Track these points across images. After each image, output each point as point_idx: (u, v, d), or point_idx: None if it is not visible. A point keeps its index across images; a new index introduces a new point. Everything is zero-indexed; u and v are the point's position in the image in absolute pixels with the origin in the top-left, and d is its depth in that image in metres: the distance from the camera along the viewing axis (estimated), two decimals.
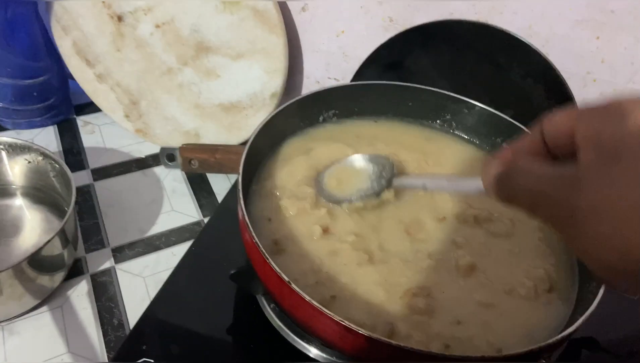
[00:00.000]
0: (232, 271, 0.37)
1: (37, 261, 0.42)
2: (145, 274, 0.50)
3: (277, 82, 0.56)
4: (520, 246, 0.39)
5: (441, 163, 0.46)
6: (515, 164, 0.23)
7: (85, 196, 0.57)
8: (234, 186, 0.58)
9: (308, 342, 0.38)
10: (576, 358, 0.40)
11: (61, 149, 0.63)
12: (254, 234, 0.33)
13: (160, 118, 0.62)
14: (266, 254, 0.31)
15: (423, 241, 0.38)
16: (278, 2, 0.53)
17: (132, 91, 0.61)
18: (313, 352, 0.37)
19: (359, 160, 0.41)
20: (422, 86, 0.47)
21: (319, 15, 0.56)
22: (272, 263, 0.31)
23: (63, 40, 0.61)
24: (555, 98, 0.47)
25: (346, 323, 0.28)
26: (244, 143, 0.61)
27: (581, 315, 0.31)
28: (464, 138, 0.49)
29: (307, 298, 0.29)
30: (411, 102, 0.49)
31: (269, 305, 0.40)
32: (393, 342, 0.28)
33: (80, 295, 0.48)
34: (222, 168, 0.57)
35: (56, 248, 0.44)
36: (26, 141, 0.51)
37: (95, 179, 0.59)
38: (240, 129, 0.60)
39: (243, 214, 0.34)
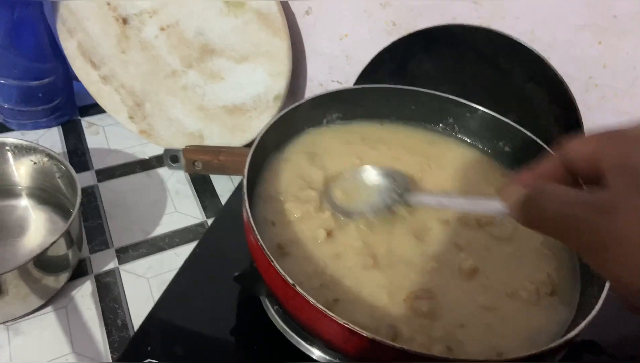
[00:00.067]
0: (237, 273, 0.37)
1: (43, 261, 0.42)
2: (149, 275, 0.50)
3: (280, 84, 0.56)
4: (522, 250, 0.39)
5: (444, 166, 0.46)
6: (541, 188, 0.22)
7: (90, 197, 0.57)
8: (238, 188, 0.59)
9: (311, 344, 0.38)
10: (578, 361, 0.40)
11: (65, 150, 0.64)
12: (258, 236, 0.33)
13: (164, 120, 0.62)
14: (271, 257, 0.32)
15: (427, 244, 0.38)
16: (282, 5, 0.54)
17: (136, 92, 0.62)
18: (316, 353, 0.38)
19: (371, 173, 0.41)
20: (425, 90, 0.48)
21: (323, 18, 0.57)
22: (277, 265, 0.31)
23: (68, 42, 0.61)
24: (557, 102, 0.47)
25: (350, 325, 0.29)
26: (248, 145, 0.62)
27: (583, 319, 0.31)
28: (466, 142, 0.49)
29: (312, 300, 0.29)
30: (414, 106, 0.49)
31: (273, 307, 0.40)
32: (396, 344, 0.28)
33: (85, 295, 0.48)
34: (225, 170, 0.57)
35: (61, 249, 0.44)
36: (31, 142, 0.51)
37: (99, 180, 0.60)
38: (244, 131, 0.60)
39: (248, 217, 0.35)
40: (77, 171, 0.49)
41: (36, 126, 0.65)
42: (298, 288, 0.30)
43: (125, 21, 0.57)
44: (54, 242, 0.42)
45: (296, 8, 0.57)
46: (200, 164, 0.57)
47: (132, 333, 0.45)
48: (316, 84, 0.63)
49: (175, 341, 0.40)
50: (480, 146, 0.48)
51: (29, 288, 0.43)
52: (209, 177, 0.62)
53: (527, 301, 0.36)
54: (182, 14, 0.55)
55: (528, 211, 0.23)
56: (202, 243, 0.48)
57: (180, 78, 0.59)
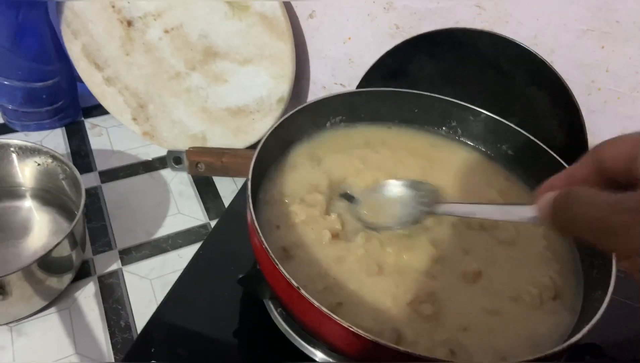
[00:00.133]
0: (240, 276, 0.37)
1: (46, 263, 0.42)
2: (152, 276, 0.50)
3: (284, 87, 0.56)
4: (525, 253, 0.39)
5: (446, 169, 0.46)
6: (574, 192, 0.22)
7: (93, 198, 0.58)
8: (241, 190, 0.59)
9: (314, 347, 0.38)
10: None
11: (69, 151, 0.64)
12: (263, 239, 0.33)
13: (167, 121, 0.63)
14: (275, 259, 0.32)
15: (433, 248, 0.38)
16: (286, 8, 0.54)
17: (140, 94, 0.62)
18: (319, 356, 0.38)
19: (398, 186, 0.40)
20: (428, 93, 0.48)
21: (326, 22, 0.57)
22: (282, 268, 0.31)
23: (73, 44, 0.61)
24: (559, 106, 0.47)
25: (354, 328, 0.29)
26: (251, 147, 0.62)
27: (586, 323, 0.31)
28: (469, 145, 0.49)
29: (316, 304, 0.29)
30: (417, 109, 0.49)
31: (276, 309, 0.40)
32: (400, 347, 0.28)
33: (88, 296, 0.48)
34: (228, 172, 0.58)
35: (65, 250, 0.44)
36: (36, 143, 0.52)
37: (102, 182, 0.60)
38: (247, 133, 0.61)
39: (252, 219, 0.35)
40: (81, 172, 0.49)
41: (40, 128, 0.66)
42: (302, 291, 0.30)
43: (129, 23, 0.57)
44: (58, 244, 0.42)
45: (300, 11, 0.58)
46: (203, 166, 0.57)
47: (135, 335, 0.45)
48: (319, 87, 0.63)
49: (179, 343, 0.40)
50: (483, 149, 0.49)
51: (33, 290, 0.43)
52: (212, 179, 0.62)
53: (530, 305, 0.36)
54: (186, 16, 0.55)
55: (560, 216, 0.22)
56: (205, 245, 0.48)
57: (184, 80, 0.59)
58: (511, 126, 0.45)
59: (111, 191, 0.59)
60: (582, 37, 0.46)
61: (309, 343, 0.38)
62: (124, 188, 0.59)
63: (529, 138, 0.44)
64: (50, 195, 0.53)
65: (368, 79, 0.54)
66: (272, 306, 0.40)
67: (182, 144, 0.62)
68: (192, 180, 0.61)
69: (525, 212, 0.26)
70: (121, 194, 0.59)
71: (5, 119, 0.65)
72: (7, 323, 0.45)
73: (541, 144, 0.43)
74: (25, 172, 0.53)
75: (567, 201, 0.22)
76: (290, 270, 0.32)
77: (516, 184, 0.46)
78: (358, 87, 0.55)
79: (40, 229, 0.52)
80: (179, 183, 0.61)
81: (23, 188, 0.54)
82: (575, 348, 0.31)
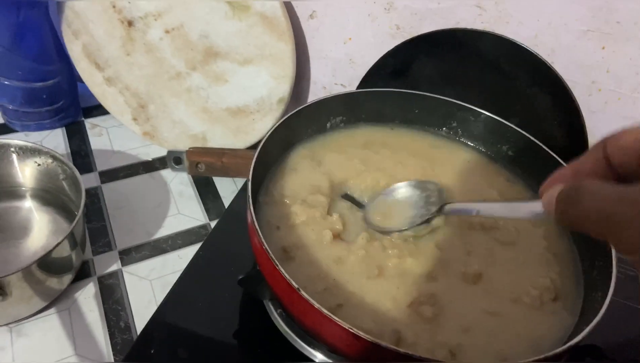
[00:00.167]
0: (240, 277, 0.37)
1: (46, 263, 0.42)
2: (152, 277, 0.50)
3: (284, 87, 0.56)
4: (526, 255, 0.39)
5: (447, 170, 0.46)
6: (581, 185, 0.21)
7: (93, 198, 0.58)
8: (241, 190, 0.59)
9: (314, 348, 0.38)
10: None
11: (69, 151, 0.64)
12: (263, 240, 0.33)
13: (168, 121, 0.63)
14: (276, 260, 0.32)
15: (434, 249, 0.38)
16: (286, 9, 0.54)
17: (140, 94, 0.62)
18: (319, 357, 0.38)
19: (404, 188, 0.40)
20: (429, 94, 0.48)
21: (327, 22, 0.57)
22: (282, 269, 0.31)
23: (73, 44, 0.61)
24: (560, 107, 0.47)
25: (354, 330, 0.29)
26: (251, 147, 0.62)
27: (587, 324, 0.31)
28: (470, 145, 0.49)
29: (317, 305, 0.29)
30: (417, 110, 0.49)
31: (276, 310, 0.40)
32: (400, 349, 0.28)
33: (88, 297, 0.48)
34: (228, 172, 0.58)
35: (65, 251, 0.44)
36: (36, 143, 0.52)
37: (102, 182, 0.60)
38: (247, 134, 0.61)
39: (252, 219, 0.35)
40: (81, 173, 0.49)
41: (40, 128, 0.66)
42: (302, 292, 0.30)
43: (130, 24, 0.57)
44: (58, 244, 0.42)
45: (301, 11, 0.57)
46: (203, 166, 0.57)
47: (134, 336, 0.45)
48: (320, 88, 0.63)
49: (179, 343, 0.40)
50: (483, 149, 0.49)
51: (33, 290, 0.43)
52: (212, 179, 0.62)
53: (530, 307, 0.36)
54: (186, 17, 0.55)
55: (567, 210, 0.22)
56: (205, 245, 0.48)
57: (185, 80, 0.59)
58: (511, 127, 0.45)
59: (111, 192, 0.59)
60: (582, 37, 0.46)
61: (308, 345, 0.38)
62: (124, 188, 0.59)
63: (530, 138, 0.44)
64: (50, 195, 0.53)
65: (369, 79, 0.54)
66: (272, 307, 0.40)
67: (183, 145, 0.62)
68: (192, 180, 0.61)
69: (531, 208, 0.26)
70: (121, 194, 0.59)
71: (5, 119, 0.65)
72: (6, 324, 0.45)
73: (541, 144, 0.43)
74: (26, 172, 0.53)
75: (576, 194, 0.21)
76: (291, 270, 0.32)
77: (516, 185, 0.45)
78: (358, 87, 0.55)
79: (40, 229, 0.52)
80: (179, 183, 0.61)
81: (23, 188, 0.54)
82: (575, 350, 0.31)
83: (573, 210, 0.21)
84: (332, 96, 0.47)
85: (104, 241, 0.53)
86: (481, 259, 0.38)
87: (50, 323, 0.46)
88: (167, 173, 0.62)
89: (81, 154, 0.63)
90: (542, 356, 0.29)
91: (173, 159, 0.58)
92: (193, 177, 0.61)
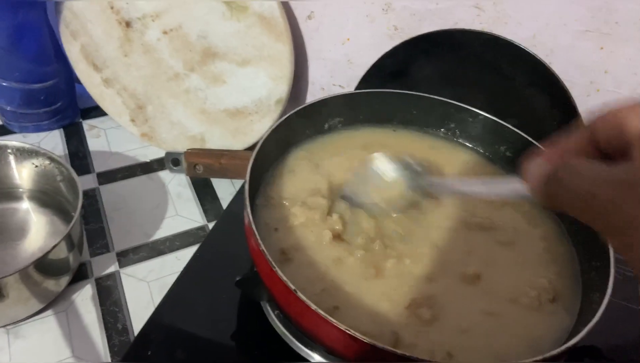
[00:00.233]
0: (238, 278, 0.37)
1: (44, 265, 0.42)
2: (150, 278, 0.50)
3: (282, 88, 0.56)
4: (524, 255, 0.39)
5: (445, 171, 0.46)
6: (566, 164, 0.20)
7: (91, 199, 0.57)
8: (239, 191, 0.59)
9: (312, 349, 0.38)
10: None
11: (67, 152, 0.64)
12: (260, 241, 0.33)
13: (166, 123, 0.62)
14: (272, 262, 0.32)
15: (432, 250, 0.38)
16: (284, 9, 0.54)
17: (138, 95, 0.62)
18: (316, 359, 0.37)
19: (385, 163, 0.39)
20: (427, 95, 0.48)
21: (325, 23, 0.57)
22: (279, 271, 0.31)
23: (71, 45, 0.61)
24: (558, 107, 0.47)
25: (351, 331, 0.29)
26: (249, 149, 0.62)
27: (585, 325, 0.31)
28: (468, 146, 0.49)
29: (313, 306, 0.29)
30: (415, 111, 0.49)
31: (273, 312, 0.40)
32: (397, 350, 0.28)
33: (85, 299, 0.48)
34: (226, 173, 0.57)
35: (62, 252, 0.44)
36: (33, 145, 0.51)
37: (100, 183, 0.60)
38: (246, 135, 0.61)
39: (249, 221, 0.35)
40: (79, 174, 0.49)
41: (38, 129, 0.65)
42: (299, 294, 0.30)
43: (128, 24, 0.57)
44: (55, 246, 0.42)
45: (299, 12, 0.57)
46: (201, 168, 0.57)
47: (132, 337, 0.45)
48: (318, 88, 0.63)
49: (176, 345, 0.40)
50: (481, 150, 0.49)
51: (30, 292, 0.43)
52: (210, 180, 0.62)
53: (528, 307, 0.36)
54: (184, 17, 0.55)
55: (551, 190, 0.21)
56: (203, 247, 0.48)
57: (183, 81, 0.59)
58: (509, 128, 0.45)
59: (109, 193, 0.59)
60: (581, 38, 0.46)
61: (306, 346, 0.38)
62: (122, 189, 0.59)
63: (528, 139, 0.44)
64: (47, 197, 0.53)
65: (367, 80, 0.54)
66: (269, 308, 0.40)
67: (181, 146, 0.62)
68: (190, 182, 0.61)
69: (513, 186, 0.25)
70: (119, 196, 0.58)
71: (3, 120, 0.65)
72: (4, 326, 0.45)
73: (540, 145, 0.43)
74: (23, 174, 0.53)
75: (562, 173, 0.20)
76: (288, 272, 0.32)
77: None
78: (357, 88, 0.55)
79: (38, 231, 0.52)
80: (177, 184, 0.61)
81: (20, 190, 0.54)
82: (574, 351, 0.31)
83: (558, 190, 0.21)
84: (330, 96, 0.46)
85: (101, 243, 0.53)
86: (479, 260, 0.38)
87: (48, 325, 0.45)
88: (165, 175, 0.62)
89: (79, 156, 0.63)
90: (540, 357, 0.29)
91: (171, 161, 0.58)
92: (191, 178, 0.61)
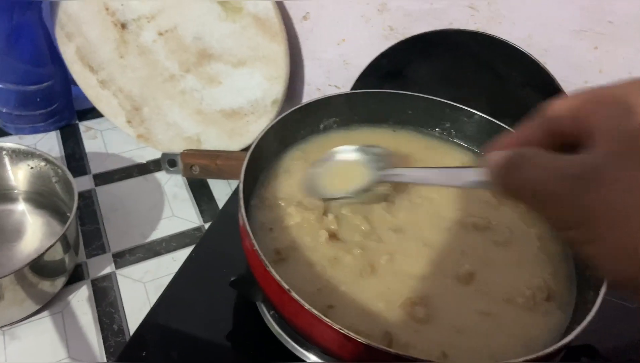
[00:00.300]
0: (233, 278, 0.37)
1: (39, 266, 0.42)
2: (146, 279, 0.50)
3: (278, 89, 0.56)
4: (519, 255, 0.39)
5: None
6: (522, 155, 0.20)
7: (87, 201, 0.57)
8: (235, 192, 0.59)
9: (307, 349, 0.38)
10: None
11: (63, 154, 0.64)
12: (254, 241, 0.33)
13: (162, 124, 0.62)
14: (266, 261, 0.32)
15: (427, 249, 0.38)
16: (280, 10, 0.54)
17: (134, 97, 0.62)
18: (312, 359, 0.37)
19: (349, 151, 0.39)
20: (422, 95, 0.48)
21: (320, 23, 0.57)
22: (272, 270, 0.31)
23: (67, 46, 0.61)
24: None
25: (345, 331, 0.29)
26: (245, 149, 0.62)
27: (579, 324, 0.31)
28: (463, 146, 0.49)
29: (307, 306, 0.29)
30: (411, 111, 0.49)
31: (269, 312, 0.40)
32: (391, 350, 0.28)
33: (81, 300, 0.48)
34: (223, 174, 0.58)
35: (58, 254, 0.44)
36: (29, 146, 0.51)
37: (97, 184, 0.60)
38: (242, 136, 0.61)
39: (244, 221, 0.35)
40: (75, 175, 0.49)
41: (34, 131, 0.65)
42: (293, 294, 0.30)
43: (123, 26, 0.57)
44: (51, 247, 0.42)
45: (294, 13, 0.58)
46: (197, 169, 0.57)
47: (128, 338, 0.45)
48: (314, 89, 0.63)
49: (171, 346, 0.40)
50: (476, 150, 0.49)
51: (25, 293, 0.43)
52: (207, 181, 0.62)
53: (523, 307, 0.36)
54: (180, 19, 0.55)
55: (508, 179, 0.21)
56: (198, 247, 0.48)
57: (179, 82, 0.59)
58: (505, 127, 0.45)
59: (105, 194, 0.59)
60: (575, 37, 0.46)
61: (301, 346, 0.38)
62: (118, 190, 0.59)
63: None
64: (43, 198, 0.53)
65: (363, 80, 0.54)
66: (264, 309, 0.40)
67: (177, 147, 0.62)
68: (186, 183, 0.61)
69: (472, 175, 0.25)
70: (115, 197, 0.58)
71: None
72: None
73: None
74: (18, 175, 0.53)
75: (517, 163, 0.20)
76: (283, 272, 0.32)
77: None
78: (353, 88, 0.55)
79: (34, 232, 0.51)
80: (173, 185, 0.61)
81: (16, 191, 0.53)
82: (570, 350, 0.31)
83: (512, 179, 0.20)
84: (324, 97, 0.47)
85: (97, 244, 0.53)
86: (474, 259, 0.38)
87: (44, 326, 0.45)
88: (161, 176, 0.62)
89: (75, 157, 0.63)
90: (534, 355, 0.29)
91: (167, 162, 0.58)
92: (187, 179, 0.61)
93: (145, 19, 0.56)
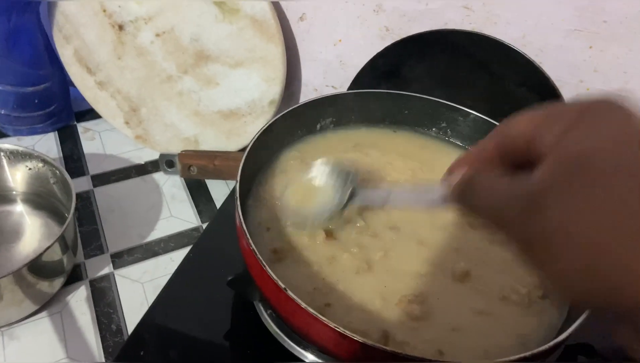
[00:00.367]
0: (230, 278, 0.37)
1: (37, 267, 0.42)
2: (144, 280, 0.50)
3: (275, 89, 0.57)
4: (514, 253, 0.39)
5: (437, 171, 0.46)
6: (477, 176, 0.21)
7: (85, 202, 0.58)
8: (233, 192, 0.59)
9: (304, 348, 0.38)
10: None
11: (62, 155, 0.64)
12: (250, 241, 0.33)
13: (160, 125, 0.63)
14: (263, 261, 0.32)
15: (422, 247, 0.39)
16: (276, 11, 0.54)
17: (132, 98, 0.62)
18: (309, 357, 0.38)
19: (321, 171, 0.38)
20: (418, 95, 0.48)
21: (317, 24, 0.57)
22: (269, 269, 0.31)
23: (64, 48, 0.62)
24: None
25: (341, 329, 0.29)
26: (243, 150, 0.62)
27: (574, 322, 0.31)
28: (459, 145, 0.49)
29: (303, 305, 0.30)
30: (407, 110, 0.49)
31: (266, 311, 0.40)
32: (388, 348, 0.28)
33: (79, 300, 0.48)
34: (220, 174, 0.58)
35: (56, 254, 0.44)
36: (27, 147, 0.52)
37: (95, 185, 0.60)
38: (239, 136, 0.61)
39: (240, 221, 0.35)
40: (73, 176, 0.49)
41: (32, 132, 0.66)
42: (289, 292, 0.30)
43: (120, 27, 0.58)
44: (49, 247, 0.42)
45: (290, 14, 0.58)
46: (195, 169, 0.57)
47: (126, 338, 0.45)
48: (311, 89, 0.63)
49: (169, 345, 0.40)
50: None
51: (24, 294, 0.43)
52: (204, 182, 0.62)
53: (518, 305, 0.36)
54: (177, 20, 0.56)
55: (464, 202, 0.21)
56: (196, 247, 0.48)
57: (176, 84, 0.59)
58: None
59: (103, 195, 0.59)
60: (570, 37, 0.46)
61: (299, 345, 0.38)
62: (116, 191, 0.59)
63: None
64: (41, 199, 0.53)
65: (359, 80, 0.54)
66: (262, 308, 0.40)
67: (175, 148, 0.62)
68: (184, 183, 0.61)
69: (435, 196, 0.25)
70: (113, 197, 0.59)
71: None
72: None
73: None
74: (16, 176, 0.53)
75: (471, 187, 0.21)
76: (280, 271, 0.32)
77: None
78: (349, 89, 0.55)
79: (32, 233, 0.52)
80: (171, 186, 0.61)
81: (14, 192, 0.54)
82: (567, 348, 0.31)
83: (467, 201, 0.21)
84: (321, 97, 0.47)
85: (96, 245, 0.53)
86: (470, 257, 0.38)
87: (42, 327, 0.45)
88: (159, 176, 0.62)
89: (73, 158, 0.63)
90: (529, 353, 0.30)
91: (165, 163, 0.58)
92: (185, 180, 0.61)
93: (142, 20, 0.56)
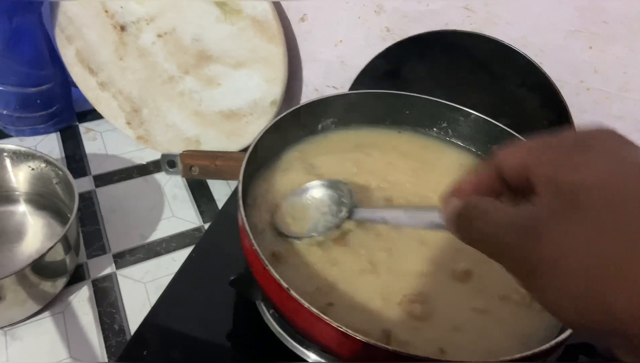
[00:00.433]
0: (232, 278, 0.38)
1: (40, 267, 0.43)
2: (146, 280, 0.51)
3: (276, 90, 0.57)
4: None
5: (437, 171, 0.46)
6: (473, 205, 0.21)
7: (87, 202, 0.58)
8: (234, 192, 0.59)
9: (307, 348, 0.38)
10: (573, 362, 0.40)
11: (64, 155, 0.64)
12: (253, 241, 0.33)
13: (161, 125, 0.63)
14: (265, 261, 0.32)
15: (424, 247, 0.39)
16: (277, 12, 0.54)
17: (134, 98, 0.62)
18: (312, 357, 0.38)
19: (316, 188, 0.40)
20: (419, 95, 0.48)
21: (318, 25, 0.57)
22: (272, 269, 0.31)
23: (67, 49, 0.62)
24: (549, 106, 0.47)
25: (343, 329, 0.29)
26: (244, 150, 0.62)
27: None
28: (460, 146, 0.49)
29: (306, 304, 0.30)
30: (408, 111, 0.50)
31: (268, 311, 0.40)
32: (390, 347, 0.29)
33: (82, 300, 0.48)
34: (222, 175, 0.58)
35: (59, 254, 0.44)
36: (29, 148, 0.52)
37: (97, 186, 0.60)
38: (241, 136, 0.61)
39: (243, 221, 0.35)
40: (75, 177, 0.49)
41: (34, 132, 0.66)
42: (292, 292, 0.30)
43: (122, 28, 0.58)
44: (51, 247, 0.42)
45: (291, 15, 0.58)
46: (197, 169, 0.57)
47: (129, 338, 0.45)
48: (312, 90, 0.64)
49: (172, 345, 0.40)
50: (473, 149, 0.49)
51: (27, 294, 0.43)
52: (206, 182, 0.62)
53: (519, 304, 0.36)
54: (179, 21, 0.56)
55: (460, 229, 0.21)
56: (198, 247, 0.48)
57: (178, 84, 0.60)
58: (500, 127, 0.46)
59: (105, 195, 0.59)
60: (570, 37, 0.46)
61: (301, 345, 0.38)
62: (118, 191, 0.60)
63: (519, 138, 0.44)
64: (44, 199, 0.53)
65: (360, 81, 0.54)
66: (264, 308, 0.41)
67: (176, 148, 0.63)
68: (186, 183, 0.62)
69: (433, 218, 0.25)
70: (115, 198, 0.59)
71: (0, 124, 0.66)
72: (1, 328, 0.45)
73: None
74: (19, 177, 0.53)
75: (468, 215, 0.21)
76: (282, 271, 0.32)
77: None
78: (350, 89, 0.55)
79: (35, 233, 0.52)
80: (173, 186, 0.61)
81: (17, 193, 0.54)
82: (568, 348, 0.32)
83: (465, 230, 0.21)
84: (322, 98, 0.47)
85: (98, 245, 0.53)
86: (470, 257, 0.38)
87: (45, 327, 0.46)
88: (161, 176, 0.62)
89: (75, 159, 0.64)
90: (530, 352, 0.30)
91: (167, 163, 0.58)
92: (187, 180, 0.62)
93: (144, 21, 0.57)
